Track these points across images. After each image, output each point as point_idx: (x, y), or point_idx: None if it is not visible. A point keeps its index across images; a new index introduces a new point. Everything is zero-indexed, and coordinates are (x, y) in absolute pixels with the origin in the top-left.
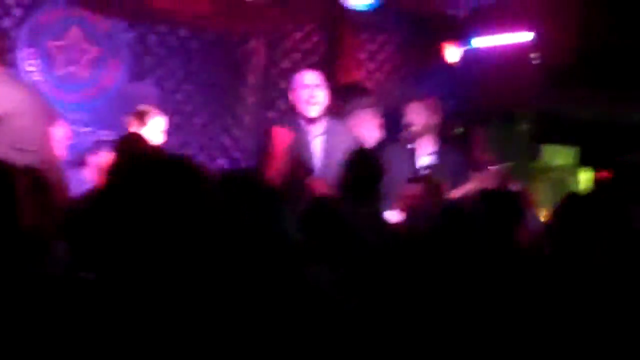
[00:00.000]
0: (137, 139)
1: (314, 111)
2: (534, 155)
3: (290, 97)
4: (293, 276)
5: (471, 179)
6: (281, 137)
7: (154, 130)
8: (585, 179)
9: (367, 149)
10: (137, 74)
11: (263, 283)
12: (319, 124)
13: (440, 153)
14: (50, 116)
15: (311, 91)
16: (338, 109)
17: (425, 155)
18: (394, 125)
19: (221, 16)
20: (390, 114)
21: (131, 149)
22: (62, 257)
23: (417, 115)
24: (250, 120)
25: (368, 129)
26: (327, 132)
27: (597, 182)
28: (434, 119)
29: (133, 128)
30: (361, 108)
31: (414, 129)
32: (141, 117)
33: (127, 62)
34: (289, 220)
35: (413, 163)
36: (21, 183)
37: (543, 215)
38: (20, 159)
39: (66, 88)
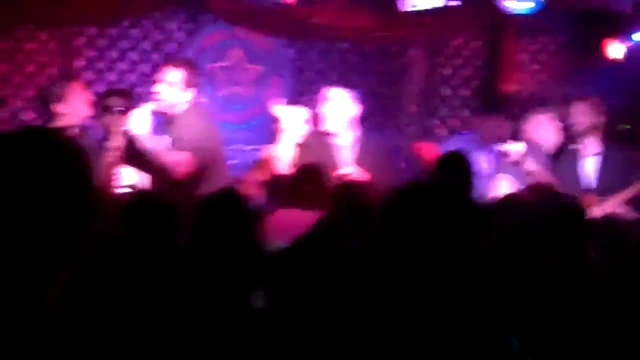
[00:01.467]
0: None
1: None
2: None
3: None
4: None
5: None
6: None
7: None
8: None
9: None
10: (299, 90)
11: None
12: None
13: (606, 154)
14: None
15: None
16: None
17: (590, 156)
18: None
19: (380, 28)
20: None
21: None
22: None
23: (582, 116)
24: (413, 129)
25: (546, 133)
26: None
27: None
28: (599, 119)
29: None
30: (539, 113)
31: (578, 129)
32: None
33: (289, 79)
34: None
35: (576, 165)
36: None
37: None
38: None
39: (230, 108)
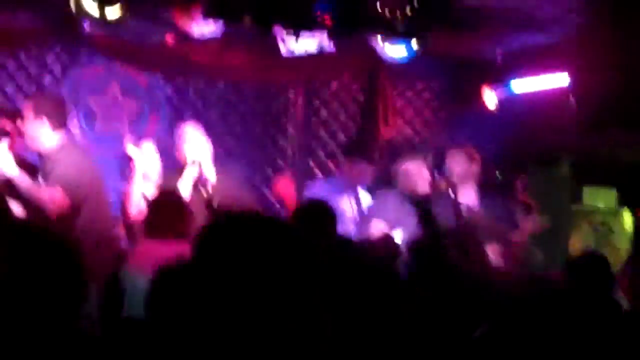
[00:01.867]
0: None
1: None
2: (575, 198)
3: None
4: None
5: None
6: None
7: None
8: (627, 220)
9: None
10: (176, 128)
11: None
12: None
13: (482, 201)
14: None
15: None
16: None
17: (466, 203)
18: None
19: (258, 68)
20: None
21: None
22: None
23: (457, 164)
24: (290, 170)
25: (419, 180)
26: None
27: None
28: (473, 167)
29: None
30: (409, 160)
31: (453, 177)
32: None
33: (166, 116)
34: None
35: (455, 211)
36: None
37: None
38: None
39: (107, 143)
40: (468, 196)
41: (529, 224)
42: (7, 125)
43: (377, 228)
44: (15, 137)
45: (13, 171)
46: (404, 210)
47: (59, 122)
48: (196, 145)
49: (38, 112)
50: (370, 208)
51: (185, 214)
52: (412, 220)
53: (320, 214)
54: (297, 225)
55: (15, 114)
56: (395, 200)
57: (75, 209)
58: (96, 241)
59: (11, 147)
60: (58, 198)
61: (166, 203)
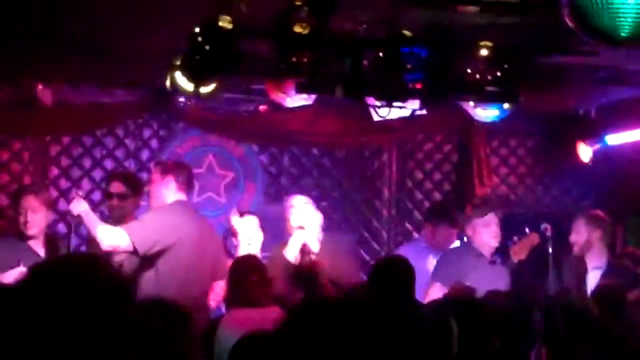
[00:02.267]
0: None
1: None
2: None
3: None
4: None
5: None
6: None
7: None
8: None
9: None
10: (273, 195)
11: None
12: None
13: (606, 267)
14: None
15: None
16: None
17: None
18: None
19: (352, 133)
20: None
21: None
22: None
23: (581, 232)
24: (387, 233)
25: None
26: None
27: None
28: (596, 233)
29: None
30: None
31: (578, 244)
32: None
33: (262, 184)
34: None
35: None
36: None
37: None
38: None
39: (205, 214)
40: (594, 262)
41: None
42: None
43: (435, 291)
44: None
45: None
46: (469, 265)
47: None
48: (304, 212)
49: (165, 173)
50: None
51: (266, 279)
52: (480, 274)
53: (398, 270)
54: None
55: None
56: (460, 256)
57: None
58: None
59: None
60: (115, 236)
61: (247, 271)
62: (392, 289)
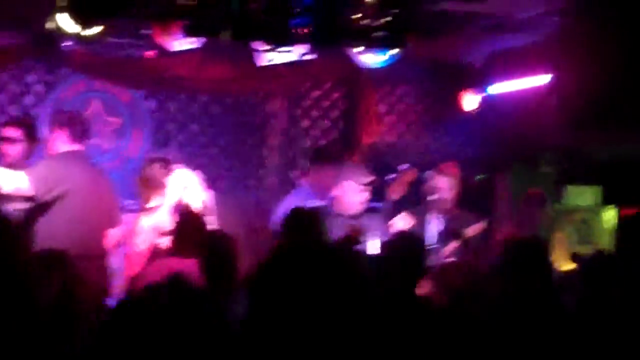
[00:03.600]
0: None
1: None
2: (558, 196)
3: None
4: None
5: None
6: None
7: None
8: (610, 218)
9: None
10: (159, 142)
11: None
12: None
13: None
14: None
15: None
16: None
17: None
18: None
19: (239, 80)
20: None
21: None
22: None
23: (445, 190)
24: (274, 181)
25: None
26: None
27: (622, 220)
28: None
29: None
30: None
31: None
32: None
33: (149, 131)
34: None
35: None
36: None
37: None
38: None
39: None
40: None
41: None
42: None
43: None
44: None
45: None
46: None
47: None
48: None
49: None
50: None
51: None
52: None
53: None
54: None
55: None
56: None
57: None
58: None
59: None
60: (16, 179)
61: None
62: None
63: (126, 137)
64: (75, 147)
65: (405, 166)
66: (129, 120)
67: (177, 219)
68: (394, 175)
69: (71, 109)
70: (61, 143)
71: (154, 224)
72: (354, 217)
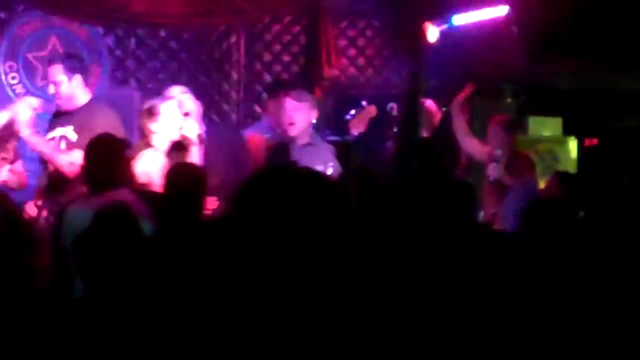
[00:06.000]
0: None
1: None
2: (521, 128)
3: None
4: None
5: None
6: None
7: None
8: (572, 148)
9: None
10: (119, 79)
11: None
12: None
13: None
14: None
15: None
16: None
17: None
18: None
19: (199, 15)
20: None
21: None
22: None
23: None
24: (236, 116)
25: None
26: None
27: (585, 150)
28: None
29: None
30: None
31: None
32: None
33: (108, 68)
34: None
35: None
36: None
37: None
38: None
39: (48, 98)
40: None
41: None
42: None
43: None
44: None
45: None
46: None
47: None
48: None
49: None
50: None
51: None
52: None
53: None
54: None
55: None
56: None
57: None
58: None
59: None
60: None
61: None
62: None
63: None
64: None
65: (366, 103)
66: (87, 57)
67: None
68: (354, 112)
69: None
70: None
71: None
72: (307, 146)
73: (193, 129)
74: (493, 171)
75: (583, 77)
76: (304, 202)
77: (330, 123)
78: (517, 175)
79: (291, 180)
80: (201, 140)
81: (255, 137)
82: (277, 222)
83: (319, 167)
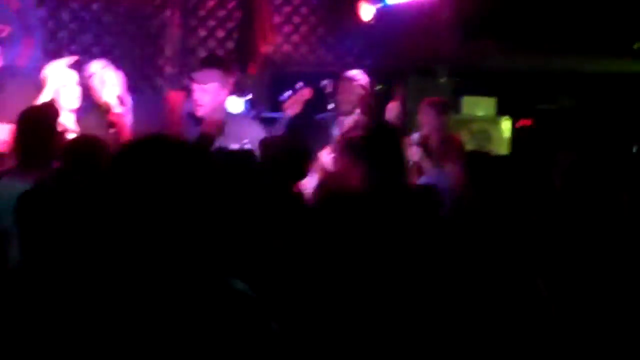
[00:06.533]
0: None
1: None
2: (455, 107)
3: None
4: None
5: None
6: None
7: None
8: (505, 128)
9: None
10: (51, 51)
11: None
12: None
13: None
14: None
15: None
16: None
17: None
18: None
19: None
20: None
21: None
22: None
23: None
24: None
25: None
26: None
27: (518, 130)
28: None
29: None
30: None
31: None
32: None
33: (41, 40)
34: None
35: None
36: None
37: None
38: None
39: None
40: None
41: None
42: None
43: None
44: None
45: None
46: None
47: None
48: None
49: None
50: None
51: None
52: None
53: None
54: None
55: None
56: None
57: None
58: None
59: None
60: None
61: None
62: None
63: (16, 46)
64: None
65: (301, 84)
66: (19, 28)
67: None
68: (289, 93)
69: None
70: None
71: None
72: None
73: (112, 94)
74: (413, 154)
75: (516, 58)
76: (166, 167)
77: (266, 100)
78: (444, 160)
79: (157, 147)
80: (122, 102)
81: (174, 94)
82: (141, 182)
83: (233, 145)
